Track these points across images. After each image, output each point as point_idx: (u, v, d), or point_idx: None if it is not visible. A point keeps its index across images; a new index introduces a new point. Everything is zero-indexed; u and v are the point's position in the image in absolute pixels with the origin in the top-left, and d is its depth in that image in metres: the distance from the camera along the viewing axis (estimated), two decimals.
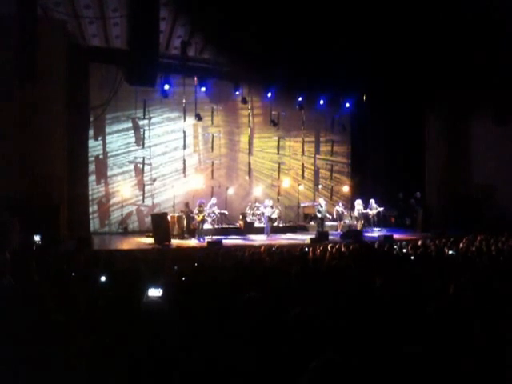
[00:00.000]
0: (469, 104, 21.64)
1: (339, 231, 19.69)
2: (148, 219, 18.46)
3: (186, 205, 18.14)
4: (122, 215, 19.20)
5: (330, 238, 17.66)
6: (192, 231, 17.94)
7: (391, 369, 3.18)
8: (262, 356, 3.26)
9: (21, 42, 13.58)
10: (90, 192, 18.46)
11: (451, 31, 16.31)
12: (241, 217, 19.73)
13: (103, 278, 7.02)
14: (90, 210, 18.39)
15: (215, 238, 17.35)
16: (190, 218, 17.92)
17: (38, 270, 6.02)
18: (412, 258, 10.26)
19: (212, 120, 20.79)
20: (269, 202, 19.27)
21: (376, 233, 19.53)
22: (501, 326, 3.75)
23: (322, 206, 19.23)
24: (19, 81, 14.12)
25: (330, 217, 19.94)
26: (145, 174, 19.57)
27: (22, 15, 13.53)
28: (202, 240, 17.10)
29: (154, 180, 19.35)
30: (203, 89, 19.48)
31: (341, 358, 2.43)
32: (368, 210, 20.29)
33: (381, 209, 20.45)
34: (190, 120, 20.07)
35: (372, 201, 20.36)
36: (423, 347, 3.37)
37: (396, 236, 18.40)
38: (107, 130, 19.12)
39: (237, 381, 3.16)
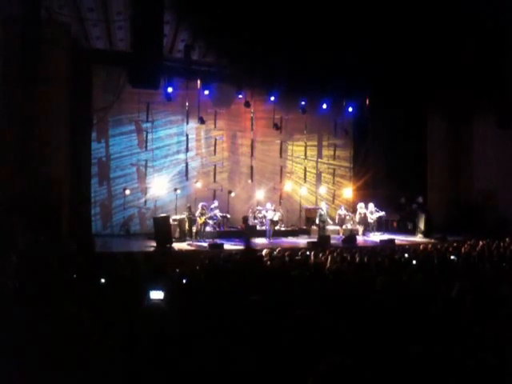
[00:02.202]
0: (470, 106, 21.66)
1: (341, 235, 19.70)
2: (150, 222, 18.45)
3: (188, 208, 18.16)
4: (123, 217, 19.22)
5: (332, 242, 17.67)
6: (194, 234, 17.96)
7: (391, 369, 3.19)
8: (262, 358, 3.27)
9: (24, 43, 13.61)
10: (93, 194, 18.46)
11: (452, 33, 16.34)
12: (242, 220, 19.80)
13: (105, 280, 7.04)
14: (93, 211, 18.39)
15: (217, 240, 17.35)
16: (191, 221, 17.94)
17: (39, 271, 6.04)
18: (414, 262, 10.27)
19: (215, 123, 20.80)
20: (271, 206, 19.28)
21: (377, 237, 19.52)
22: (501, 328, 3.76)
23: (323, 210, 19.22)
24: (21, 82, 14.15)
25: (331, 222, 19.94)
26: (147, 177, 19.57)
27: (25, 16, 13.57)
28: (203, 243, 17.11)
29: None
30: (206, 92, 19.47)
31: (349, 361, 2.44)
32: (368, 214, 20.26)
33: (382, 213, 20.43)
34: (193, 123, 20.08)
35: (371, 205, 20.32)
36: (423, 348, 3.38)
37: (398, 240, 18.43)
38: (110, 132, 19.14)
39: (237, 381, 3.17)
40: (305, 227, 20.93)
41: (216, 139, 20.88)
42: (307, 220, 21.26)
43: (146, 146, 19.61)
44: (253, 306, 4.15)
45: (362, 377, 2.54)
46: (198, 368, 3.30)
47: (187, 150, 20.16)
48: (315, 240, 17.63)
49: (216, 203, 18.87)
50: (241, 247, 15.46)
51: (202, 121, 19.65)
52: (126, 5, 14.87)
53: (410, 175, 22.05)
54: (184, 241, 17.53)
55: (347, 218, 20.79)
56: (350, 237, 18.62)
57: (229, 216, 19.61)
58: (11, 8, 13.50)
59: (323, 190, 22.83)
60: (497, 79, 18.29)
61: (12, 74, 14.10)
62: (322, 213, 19.10)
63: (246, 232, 18.20)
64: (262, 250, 13.05)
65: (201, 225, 17.78)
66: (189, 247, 16.74)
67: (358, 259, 10.89)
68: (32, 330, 3.17)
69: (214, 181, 20.79)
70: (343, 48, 16.19)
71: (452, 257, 11.27)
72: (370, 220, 20.33)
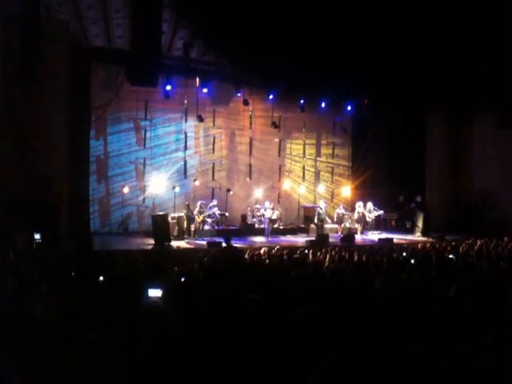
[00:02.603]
0: (470, 106, 21.65)
1: (339, 234, 19.69)
2: (148, 220, 18.42)
3: (187, 206, 18.14)
4: (122, 215, 19.18)
5: (330, 240, 17.67)
6: (192, 232, 17.95)
7: (391, 369, 3.19)
8: (262, 358, 3.26)
9: (23, 43, 13.60)
10: (91, 192, 18.40)
11: (452, 33, 16.34)
12: (241, 218, 19.78)
13: (104, 279, 7.03)
14: (91, 209, 18.33)
15: (215, 239, 17.34)
16: (190, 219, 17.92)
17: (38, 270, 6.03)
18: (412, 261, 10.28)
19: (213, 121, 20.78)
20: (269, 204, 19.27)
21: (375, 236, 19.53)
22: (501, 328, 3.76)
23: (321, 209, 19.21)
24: (21, 81, 14.14)
25: (330, 220, 19.94)
26: (145, 175, 19.54)
27: (25, 16, 13.55)
28: (202, 241, 17.10)
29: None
30: (205, 90, 19.40)
31: (349, 361, 2.44)
32: (367, 213, 20.25)
33: (380, 212, 20.44)
34: (192, 121, 20.04)
35: (369, 204, 20.31)
36: (423, 348, 3.38)
37: (396, 239, 18.44)
38: (108, 130, 19.09)
39: (237, 381, 3.17)
40: (303, 226, 20.94)
41: (214, 137, 20.87)
42: (306, 218, 21.26)
43: (145, 144, 19.58)
44: (252, 305, 4.15)
45: (362, 377, 2.54)
46: (197, 368, 3.30)
47: (186, 148, 20.13)
48: (314, 239, 17.64)
49: (215, 202, 18.85)
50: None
51: (200, 119, 19.62)
52: (125, 2, 14.85)
53: (410, 175, 22.03)
54: (182, 239, 17.50)
55: (345, 216, 20.78)
56: (349, 235, 18.63)
57: (227, 214, 19.58)
58: (11, 8, 13.48)
59: (322, 188, 22.82)
60: (497, 79, 18.29)
61: (12, 74, 14.08)
62: (321, 211, 19.09)
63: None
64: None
65: (199, 223, 17.77)
66: (187, 245, 16.73)
67: (356, 258, 10.91)
68: (32, 330, 3.16)
69: (213, 179, 20.78)
70: (343, 48, 16.17)
71: (450, 256, 11.28)
72: (368, 219, 20.32)
